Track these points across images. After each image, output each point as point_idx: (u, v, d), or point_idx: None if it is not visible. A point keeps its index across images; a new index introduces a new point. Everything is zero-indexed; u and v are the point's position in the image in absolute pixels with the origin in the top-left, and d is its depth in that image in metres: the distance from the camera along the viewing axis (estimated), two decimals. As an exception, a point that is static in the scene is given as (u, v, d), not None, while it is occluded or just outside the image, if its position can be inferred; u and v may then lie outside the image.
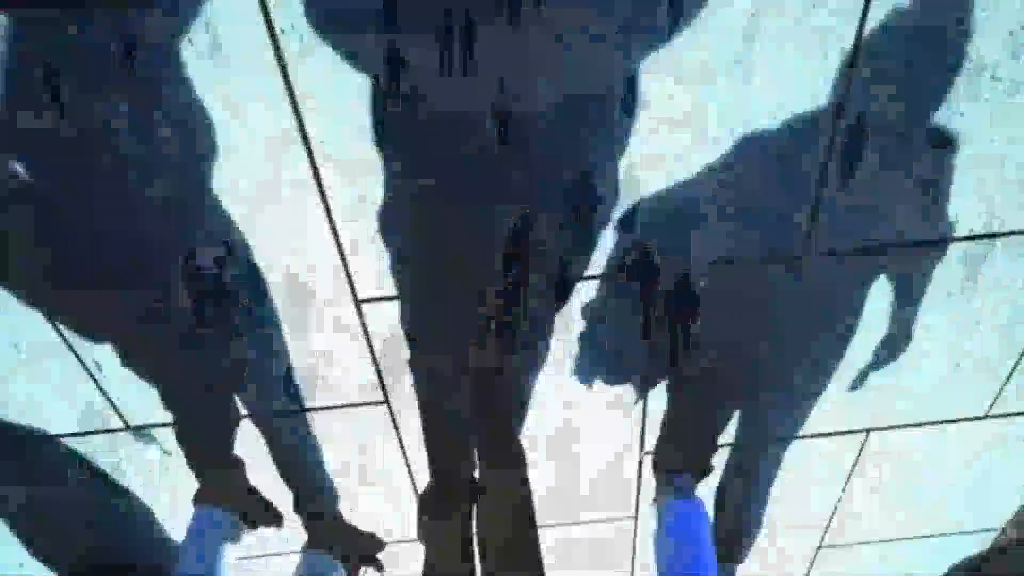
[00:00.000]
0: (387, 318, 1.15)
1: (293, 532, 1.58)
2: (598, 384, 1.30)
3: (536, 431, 1.38)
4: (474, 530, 1.41)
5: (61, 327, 1.12)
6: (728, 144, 0.97)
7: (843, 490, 1.60)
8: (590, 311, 1.17)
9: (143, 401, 1.25)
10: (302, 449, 1.37)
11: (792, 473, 1.54)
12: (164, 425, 1.30)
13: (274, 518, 1.53)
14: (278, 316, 1.13)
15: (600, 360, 1.25)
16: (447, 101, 0.89)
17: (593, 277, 1.12)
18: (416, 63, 0.85)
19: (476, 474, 1.45)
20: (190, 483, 1.41)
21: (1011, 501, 1.69)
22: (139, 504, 1.47)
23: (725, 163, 0.99)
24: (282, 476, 1.42)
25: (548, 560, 1.69)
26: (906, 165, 1.01)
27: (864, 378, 1.34)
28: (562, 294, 1.14)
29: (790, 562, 1.83)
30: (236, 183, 0.96)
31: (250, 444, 1.35)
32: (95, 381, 1.21)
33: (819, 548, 1.79)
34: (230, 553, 1.36)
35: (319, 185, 0.97)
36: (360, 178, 0.97)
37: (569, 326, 1.19)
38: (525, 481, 1.39)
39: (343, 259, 1.07)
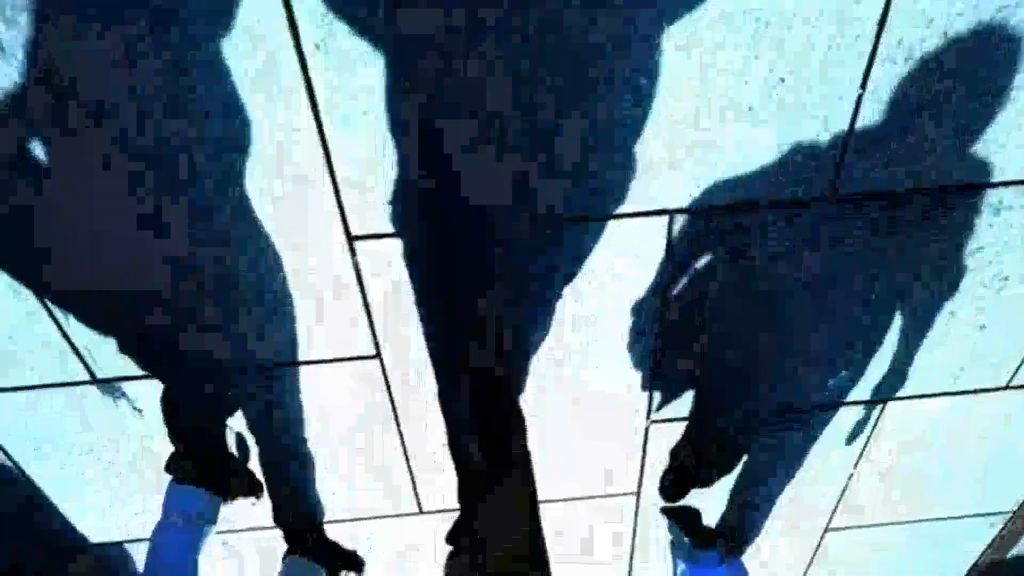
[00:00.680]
0: (382, 258, 1.06)
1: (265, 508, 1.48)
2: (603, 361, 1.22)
3: (534, 398, 1.30)
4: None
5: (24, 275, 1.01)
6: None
7: (855, 466, 1.54)
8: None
9: (114, 348, 1.15)
10: (285, 406, 1.27)
11: (802, 450, 1.48)
12: (137, 378, 1.19)
13: (253, 488, 1.42)
14: (263, 244, 1.03)
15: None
16: None
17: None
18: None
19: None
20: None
21: (1024, 482, 1.64)
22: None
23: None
24: (256, 437, 1.32)
25: (547, 536, 1.60)
26: (942, 103, 0.94)
27: (881, 345, 1.27)
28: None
29: (795, 547, 1.76)
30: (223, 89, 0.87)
31: (228, 405, 1.25)
32: (59, 326, 1.10)
33: (825, 531, 1.72)
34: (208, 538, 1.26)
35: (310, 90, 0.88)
36: (361, 95, 0.88)
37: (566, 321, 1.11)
38: (529, 476, 1.35)
39: (336, 189, 0.98)
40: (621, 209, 1.03)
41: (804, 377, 1.32)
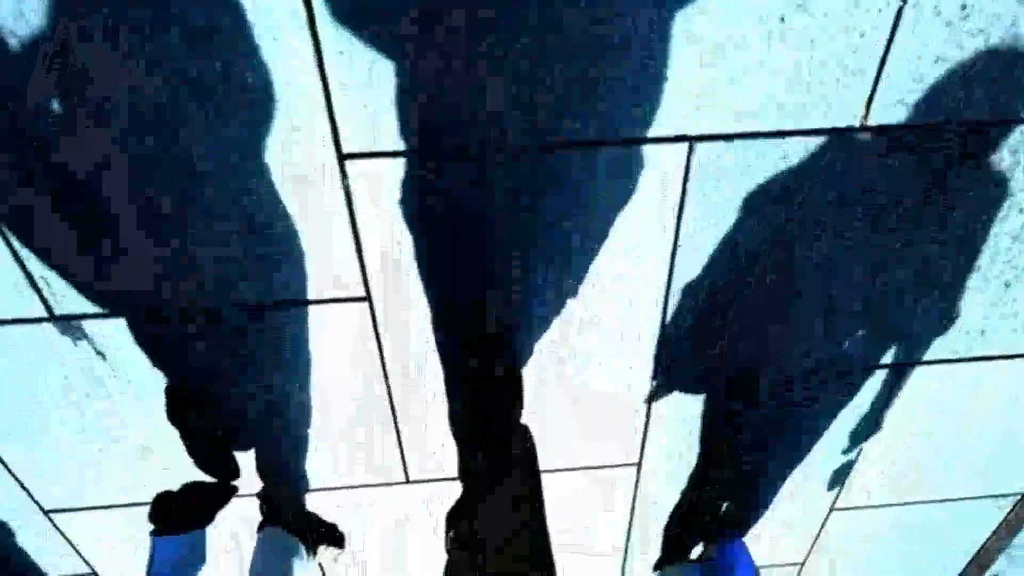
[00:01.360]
0: (376, 180, 0.97)
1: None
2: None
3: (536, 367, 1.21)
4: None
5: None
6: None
7: (863, 443, 1.47)
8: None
9: (76, 282, 1.04)
10: (264, 352, 1.16)
11: (811, 427, 1.41)
12: (99, 316, 1.08)
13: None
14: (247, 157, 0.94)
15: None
16: None
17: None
18: None
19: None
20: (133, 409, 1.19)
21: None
22: None
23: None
24: (231, 388, 1.22)
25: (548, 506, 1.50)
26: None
27: (898, 303, 1.21)
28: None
29: (800, 525, 1.69)
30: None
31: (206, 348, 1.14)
32: (11, 250, 0.99)
33: (832, 510, 1.65)
34: None
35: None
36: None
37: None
38: (535, 473, 1.29)
39: (328, 100, 0.89)
40: (637, 134, 0.95)
41: (818, 342, 1.25)
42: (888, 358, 1.30)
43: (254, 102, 0.88)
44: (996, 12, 0.87)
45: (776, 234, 1.08)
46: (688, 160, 0.98)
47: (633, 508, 1.56)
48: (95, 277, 1.04)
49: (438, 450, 1.36)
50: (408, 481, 1.42)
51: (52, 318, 1.08)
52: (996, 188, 1.06)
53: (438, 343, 1.17)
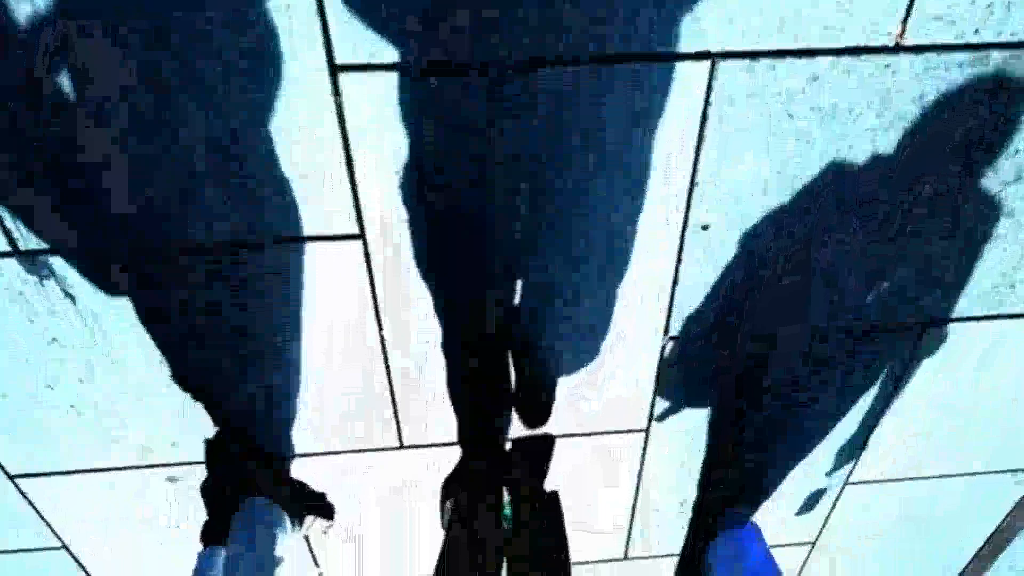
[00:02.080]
0: (373, 97, 0.89)
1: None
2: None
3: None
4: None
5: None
6: None
7: (879, 415, 1.40)
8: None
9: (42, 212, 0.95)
10: (250, 295, 1.08)
11: (827, 400, 1.34)
12: (56, 252, 1.00)
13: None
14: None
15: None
16: None
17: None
18: None
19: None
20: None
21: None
22: None
23: None
24: (214, 336, 1.13)
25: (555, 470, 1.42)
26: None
27: (918, 254, 1.14)
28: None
29: (814, 501, 1.62)
30: None
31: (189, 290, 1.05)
32: (-28, 174, 0.90)
33: (846, 484, 1.58)
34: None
35: None
36: None
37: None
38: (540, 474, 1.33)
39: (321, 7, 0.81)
40: (656, 49, 0.88)
41: (840, 301, 1.19)
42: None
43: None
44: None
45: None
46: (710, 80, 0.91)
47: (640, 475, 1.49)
48: (62, 212, 0.95)
49: (431, 424, 1.28)
50: (402, 446, 1.34)
51: (16, 253, 0.99)
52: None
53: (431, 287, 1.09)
